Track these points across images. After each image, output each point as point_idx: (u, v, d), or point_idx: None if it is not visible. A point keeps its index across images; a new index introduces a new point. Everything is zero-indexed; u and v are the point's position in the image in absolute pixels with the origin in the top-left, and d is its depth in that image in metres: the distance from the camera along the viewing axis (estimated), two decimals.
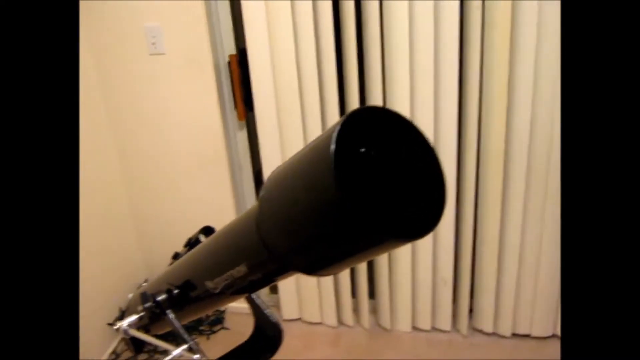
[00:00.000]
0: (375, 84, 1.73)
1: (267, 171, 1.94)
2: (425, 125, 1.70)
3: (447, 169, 1.74)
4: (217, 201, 2.08)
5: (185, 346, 0.74)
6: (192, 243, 0.86)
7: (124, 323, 0.80)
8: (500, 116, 1.67)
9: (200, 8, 1.77)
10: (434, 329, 2.07)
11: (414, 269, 1.96)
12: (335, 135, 0.46)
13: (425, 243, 1.91)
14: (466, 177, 1.79)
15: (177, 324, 0.76)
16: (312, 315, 2.16)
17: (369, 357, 1.98)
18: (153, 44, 1.85)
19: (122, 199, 2.16)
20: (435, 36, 1.61)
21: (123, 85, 1.96)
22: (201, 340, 2.11)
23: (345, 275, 2.05)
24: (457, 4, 1.57)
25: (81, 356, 1.88)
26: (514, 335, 1.99)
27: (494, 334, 2.01)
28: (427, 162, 0.55)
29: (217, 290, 0.71)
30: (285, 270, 0.61)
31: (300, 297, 2.15)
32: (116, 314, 2.08)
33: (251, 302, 0.83)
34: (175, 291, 0.77)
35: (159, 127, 2.00)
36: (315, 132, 1.82)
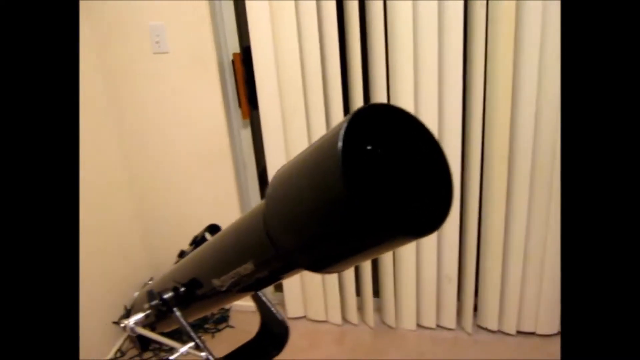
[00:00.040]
0: (379, 83, 1.73)
1: (272, 169, 1.94)
2: (429, 124, 1.69)
3: (451, 167, 1.74)
4: (222, 199, 2.09)
5: (192, 344, 0.74)
6: (197, 241, 0.87)
7: (131, 321, 0.80)
8: (504, 115, 1.66)
9: (204, 7, 1.77)
10: (439, 326, 2.07)
11: (419, 267, 1.96)
12: (342, 132, 0.46)
13: (429, 241, 1.91)
14: (471, 174, 1.79)
15: (184, 321, 0.76)
16: (317, 313, 2.16)
17: (374, 355, 1.98)
18: (157, 42, 1.85)
19: (126, 198, 2.17)
20: (439, 35, 1.61)
21: (127, 84, 1.97)
22: (206, 339, 2.12)
23: (349, 273, 2.05)
24: (461, 3, 1.56)
25: (86, 355, 1.89)
26: (519, 332, 1.98)
27: (498, 331, 2.00)
28: (434, 159, 0.55)
29: (224, 288, 0.71)
30: (291, 267, 0.61)
31: (305, 295, 2.15)
32: (121, 312, 2.09)
33: (257, 299, 0.83)
34: (182, 289, 0.77)
35: (163, 126, 2.01)
36: (320, 130, 1.82)
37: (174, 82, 1.92)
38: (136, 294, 0.99)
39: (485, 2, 1.56)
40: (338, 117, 1.80)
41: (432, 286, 1.98)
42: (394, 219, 0.50)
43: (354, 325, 2.14)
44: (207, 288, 0.74)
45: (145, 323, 0.82)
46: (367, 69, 1.74)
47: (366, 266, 2.02)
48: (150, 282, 0.95)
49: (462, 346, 1.97)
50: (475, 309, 2.03)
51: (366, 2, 1.65)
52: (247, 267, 0.64)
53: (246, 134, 2.07)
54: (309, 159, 0.51)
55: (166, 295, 0.77)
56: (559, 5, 1.51)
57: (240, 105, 1.97)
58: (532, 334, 1.97)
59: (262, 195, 2.22)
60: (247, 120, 2.04)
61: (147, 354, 2.01)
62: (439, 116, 1.71)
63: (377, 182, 0.52)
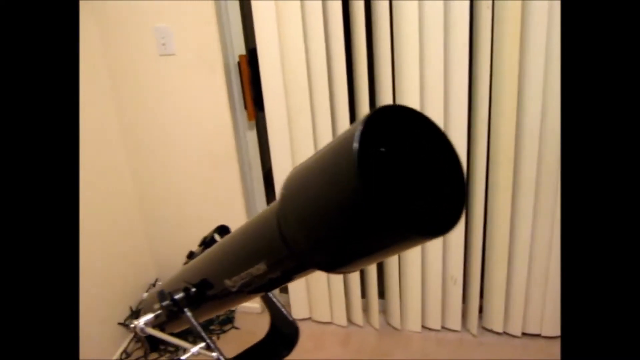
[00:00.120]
0: (385, 84, 1.73)
1: (277, 171, 1.94)
2: None
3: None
4: (227, 201, 2.09)
5: (202, 344, 0.74)
6: (207, 242, 0.87)
7: (141, 321, 0.80)
8: (510, 115, 1.66)
9: (209, 8, 1.78)
10: (444, 328, 2.07)
11: (424, 268, 1.96)
12: (358, 134, 0.46)
13: (434, 243, 1.90)
14: (476, 175, 1.78)
15: (194, 322, 0.76)
16: (322, 315, 2.16)
17: (379, 356, 1.98)
18: (163, 44, 1.86)
19: (132, 199, 2.17)
20: (445, 35, 1.61)
21: (133, 86, 1.97)
22: None
23: (355, 275, 2.05)
24: (467, 3, 1.56)
25: (92, 356, 1.89)
26: (524, 334, 1.98)
27: (504, 333, 2.00)
28: (446, 161, 0.55)
29: (235, 289, 0.71)
30: (305, 267, 0.61)
31: (310, 296, 2.15)
32: (126, 313, 2.09)
33: (267, 300, 0.83)
34: (193, 290, 0.78)
35: (169, 128, 2.01)
36: (325, 131, 1.82)
37: (179, 84, 1.92)
38: (144, 295, 1.00)
39: (490, 2, 1.56)
40: (344, 117, 1.81)
41: (437, 288, 1.98)
42: (409, 219, 0.50)
43: (359, 326, 2.13)
44: (218, 289, 0.74)
45: (155, 324, 0.82)
46: (372, 69, 1.74)
47: (371, 268, 2.02)
48: (158, 283, 0.95)
49: (468, 348, 1.96)
50: (481, 310, 2.02)
51: (372, 2, 1.65)
52: (260, 268, 0.64)
53: (252, 136, 2.07)
54: (325, 159, 0.51)
55: (177, 296, 0.77)
56: None
57: (245, 107, 1.97)
58: (538, 335, 1.97)
59: (268, 196, 2.22)
60: (253, 122, 2.04)
61: (152, 355, 2.01)
62: (444, 116, 1.71)
63: (391, 182, 0.52)
